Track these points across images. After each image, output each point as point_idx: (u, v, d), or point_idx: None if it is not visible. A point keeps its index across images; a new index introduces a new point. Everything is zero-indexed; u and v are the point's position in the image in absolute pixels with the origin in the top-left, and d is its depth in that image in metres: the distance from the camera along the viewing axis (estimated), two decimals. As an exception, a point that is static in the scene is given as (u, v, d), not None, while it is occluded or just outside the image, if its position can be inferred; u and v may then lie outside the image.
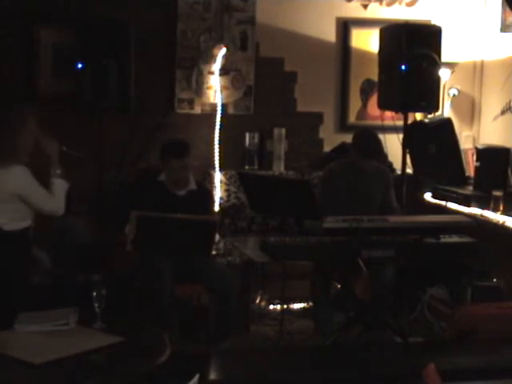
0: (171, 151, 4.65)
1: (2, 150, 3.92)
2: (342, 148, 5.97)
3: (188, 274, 4.56)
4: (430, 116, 5.92)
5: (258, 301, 5.50)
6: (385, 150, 5.38)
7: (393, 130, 5.77)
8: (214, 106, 5.94)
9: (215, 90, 5.93)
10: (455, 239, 4.56)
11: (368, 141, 4.90)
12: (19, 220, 3.99)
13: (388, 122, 5.89)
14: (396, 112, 5.74)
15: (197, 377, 2.63)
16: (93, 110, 5.37)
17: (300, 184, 4.82)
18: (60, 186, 4.05)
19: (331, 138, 6.23)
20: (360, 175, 4.89)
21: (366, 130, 5.36)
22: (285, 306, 5.14)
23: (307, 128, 6.22)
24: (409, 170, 5.80)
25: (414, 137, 5.73)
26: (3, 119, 4.00)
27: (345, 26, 6.22)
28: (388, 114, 5.89)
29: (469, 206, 5.32)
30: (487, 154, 5.50)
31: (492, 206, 5.10)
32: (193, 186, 4.78)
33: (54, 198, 4.02)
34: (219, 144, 5.92)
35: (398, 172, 5.80)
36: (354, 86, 6.28)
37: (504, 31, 6.11)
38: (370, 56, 6.11)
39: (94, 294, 3.36)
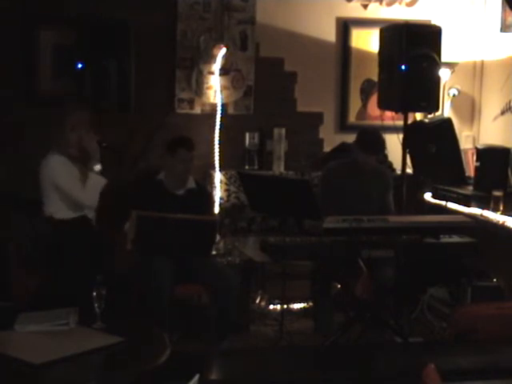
0: (182, 144, 4.72)
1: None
2: (341, 148, 5.97)
3: (188, 274, 4.56)
4: (429, 116, 5.91)
5: (258, 301, 5.51)
6: (385, 149, 5.38)
7: (393, 130, 5.76)
8: (214, 105, 5.94)
9: (215, 90, 5.92)
10: (455, 239, 4.57)
11: (371, 137, 4.90)
12: (67, 209, 4.05)
13: (388, 122, 5.89)
14: (396, 112, 5.73)
15: (197, 377, 2.63)
16: (93, 110, 5.36)
17: (300, 184, 4.81)
18: (94, 180, 4.12)
19: (331, 138, 6.23)
20: (360, 175, 4.89)
21: (371, 127, 5.37)
22: (285, 306, 5.14)
23: (307, 128, 6.22)
24: (409, 170, 5.80)
25: (414, 137, 5.73)
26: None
27: (345, 26, 6.22)
28: (388, 114, 5.89)
29: (469, 206, 5.32)
30: (487, 154, 5.49)
31: (492, 206, 5.09)
32: (192, 184, 4.80)
33: (85, 191, 4.07)
34: (219, 144, 5.92)
35: (398, 172, 5.80)
36: (354, 85, 6.28)
37: (504, 31, 6.11)
38: (369, 56, 6.11)
39: (94, 294, 3.36)
